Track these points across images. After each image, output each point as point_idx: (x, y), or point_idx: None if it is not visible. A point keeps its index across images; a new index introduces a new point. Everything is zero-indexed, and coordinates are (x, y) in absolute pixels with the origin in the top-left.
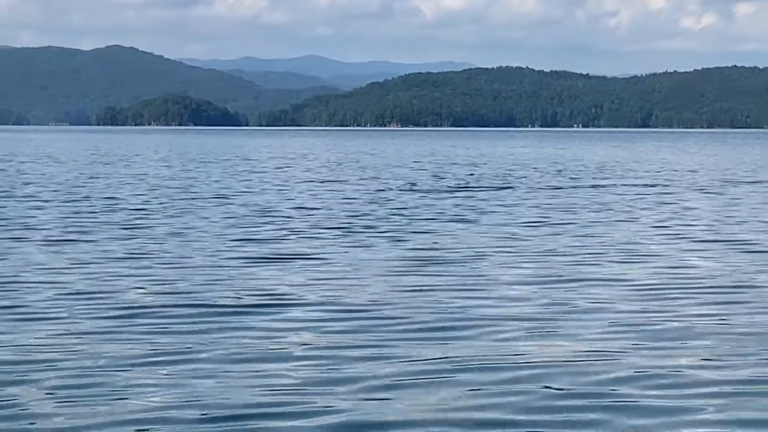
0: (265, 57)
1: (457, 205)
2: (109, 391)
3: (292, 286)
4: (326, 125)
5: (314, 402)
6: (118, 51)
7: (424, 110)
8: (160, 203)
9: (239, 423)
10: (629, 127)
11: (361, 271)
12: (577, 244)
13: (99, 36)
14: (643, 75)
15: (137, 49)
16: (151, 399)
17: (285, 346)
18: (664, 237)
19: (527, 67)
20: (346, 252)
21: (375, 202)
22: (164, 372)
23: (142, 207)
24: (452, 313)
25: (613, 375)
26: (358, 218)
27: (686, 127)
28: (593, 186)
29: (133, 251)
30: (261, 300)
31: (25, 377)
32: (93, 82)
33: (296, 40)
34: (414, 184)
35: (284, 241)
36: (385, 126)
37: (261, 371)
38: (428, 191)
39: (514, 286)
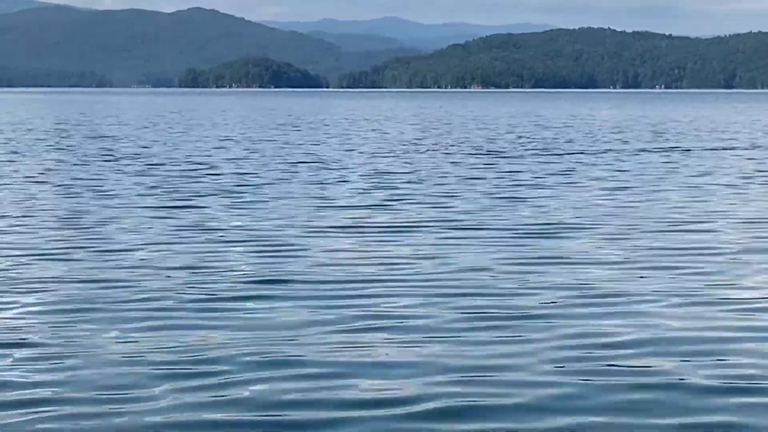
0: (344, 19)
1: (564, 170)
2: (216, 370)
3: (407, 258)
4: (406, 87)
5: (443, 381)
6: (199, 13)
7: (505, 72)
8: (262, 167)
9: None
10: (712, 88)
11: (479, 241)
12: (699, 211)
13: None
14: (727, 35)
15: (218, 12)
16: (265, 375)
17: (402, 322)
18: None
19: (609, 27)
20: (460, 220)
21: (480, 167)
22: (273, 350)
23: (240, 172)
24: (586, 286)
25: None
26: (465, 184)
27: None
28: (701, 149)
29: (238, 220)
30: (377, 272)
31: (141, 350)
32: (174, 45)
33: (375, 2)
34: (515, 148)
35: (392, 208)
36: (465, 88)
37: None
38: (530, 155)
39: (646, 258)
